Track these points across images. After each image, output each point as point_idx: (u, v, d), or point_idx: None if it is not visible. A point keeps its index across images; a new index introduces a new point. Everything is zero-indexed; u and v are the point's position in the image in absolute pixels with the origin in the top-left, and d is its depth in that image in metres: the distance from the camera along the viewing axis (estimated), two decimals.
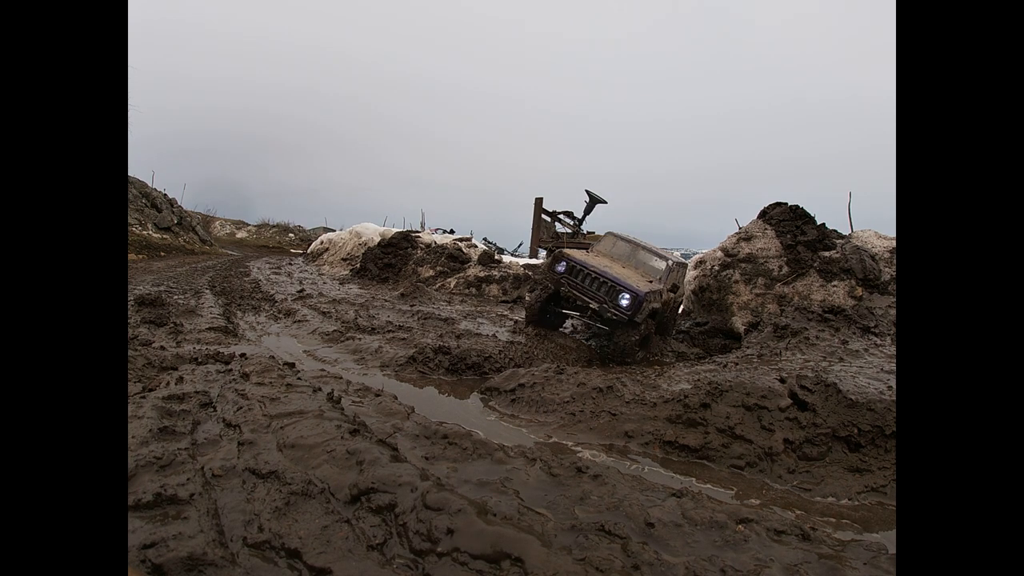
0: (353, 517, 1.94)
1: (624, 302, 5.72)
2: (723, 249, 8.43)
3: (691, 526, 2.04)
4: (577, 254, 6.79)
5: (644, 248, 7.19)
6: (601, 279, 6.00)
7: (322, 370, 4.40)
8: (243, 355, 4.44)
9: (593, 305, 5.99)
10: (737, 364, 5.03)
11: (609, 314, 5.82)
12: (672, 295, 7.13)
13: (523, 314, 7.32)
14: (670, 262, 6.93)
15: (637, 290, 5.71)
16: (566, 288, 6.28)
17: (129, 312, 5.53)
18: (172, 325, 5.41)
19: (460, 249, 13.61)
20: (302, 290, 9.74)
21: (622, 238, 7.42)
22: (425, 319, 7.09)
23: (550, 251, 17.58)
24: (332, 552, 1.72)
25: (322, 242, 21.45)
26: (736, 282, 7.74)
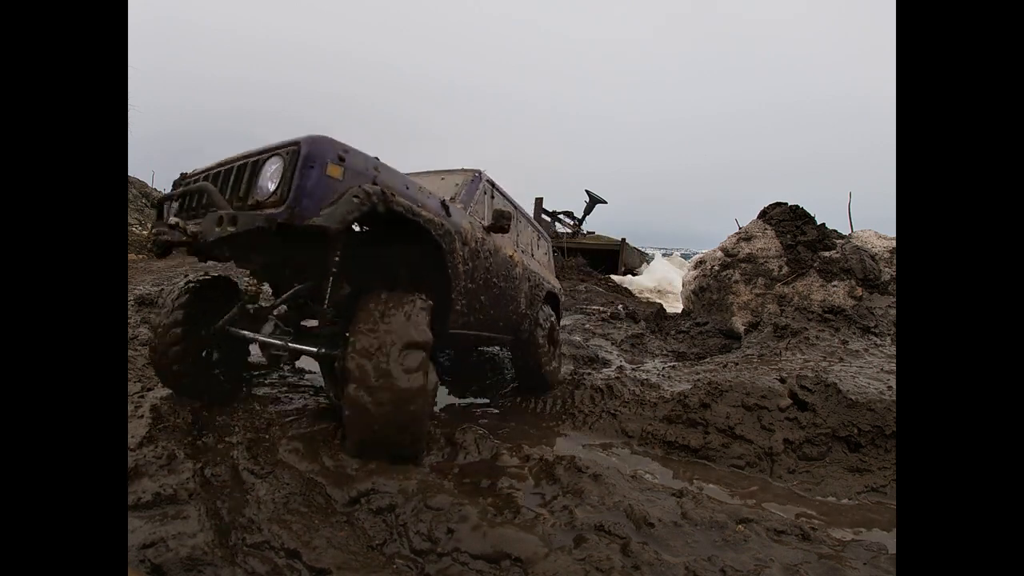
0: (353, 517, 1.94)
1: (271, 172, 1.98)
2: (723, 249, 8.43)
3: (691, 526, 2.04)
4: None
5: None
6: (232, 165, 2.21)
7: None
8: None
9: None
10: (737, 364, 5.02)
11: (223, 227, 1.87)
12: (485, 235, 3.10)
13: None
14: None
15: (303, 139, 1.95)
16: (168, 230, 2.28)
17: (129, 312, 5.53)
18: None
19: None
20: None
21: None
22: None
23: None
24: (332, 552, 1.71)
25: None
26: (736, 282, 7.74)
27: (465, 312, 2.87)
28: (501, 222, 3.10)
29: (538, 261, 4.61)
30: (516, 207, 4.15)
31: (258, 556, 1.67)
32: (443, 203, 2.65)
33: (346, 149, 2.07)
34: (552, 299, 4.79)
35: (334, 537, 1.79)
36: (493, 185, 3.64)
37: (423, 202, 2.45)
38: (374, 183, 2.15)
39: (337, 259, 2.21)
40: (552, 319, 4.53)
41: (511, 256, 3.59)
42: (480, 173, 3.50)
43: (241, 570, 1.61)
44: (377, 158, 2.25)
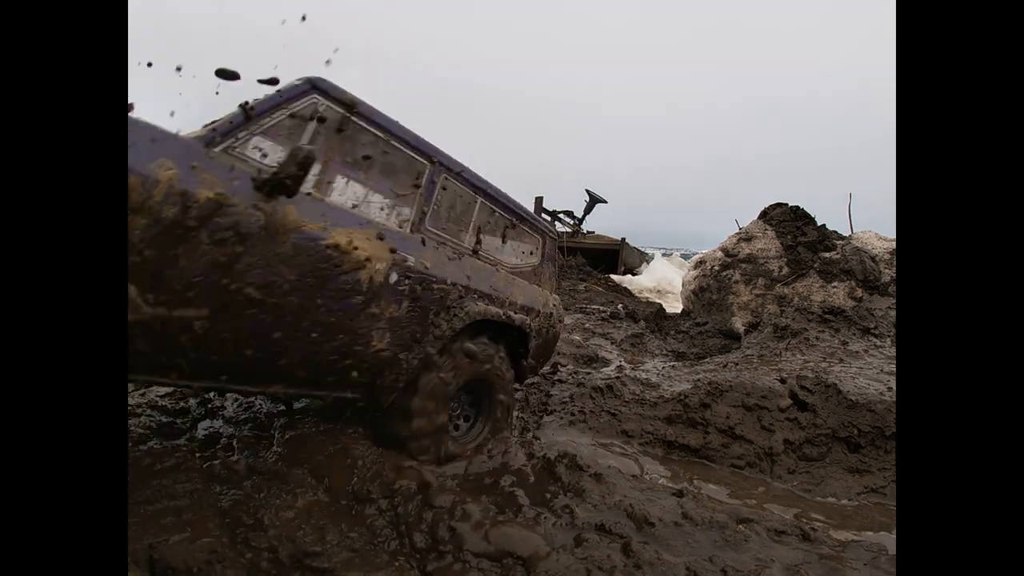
0: (356, 516, 1.94)
1: None
2: (723, 249, 8.44)
3: (691, 526, 2.04)
4: None
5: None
6: None
7: None
8: None
9: None
10: (737, 364, 5.03)
11: None
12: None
13: None
14: None
15: None
16: None
17: None
18: None
19: None
20: None
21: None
22: None
23: None
24: (333, 551, 1.72)
25: None
26: (736, 282, 7.74)
27: None
28: (288, 171, 1.60)
29: (514, 268, 2.85)
30: (432, 157, 2.27)
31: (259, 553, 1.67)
32: None
33: None
34: (519, 334, 2.74)
35: (335, 536, 1.79)
36: (341, 100, 1.91)
37: None
38: None
39: None
40: (498, 362, 2.62)
41: (339, 246, 1.85)
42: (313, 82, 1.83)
43: (245, 568, 1.61)
44: None
